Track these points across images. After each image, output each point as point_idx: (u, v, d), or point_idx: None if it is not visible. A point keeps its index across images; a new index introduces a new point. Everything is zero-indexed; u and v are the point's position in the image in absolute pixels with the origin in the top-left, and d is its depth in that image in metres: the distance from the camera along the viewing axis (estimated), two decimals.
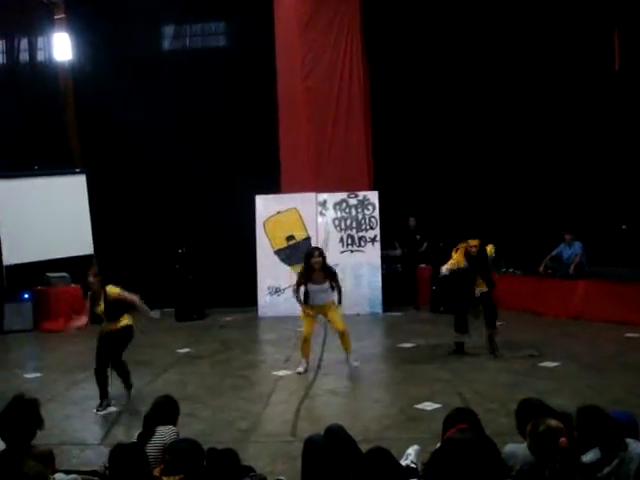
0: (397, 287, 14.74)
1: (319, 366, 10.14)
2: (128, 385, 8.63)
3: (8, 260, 14.11)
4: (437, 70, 14.96)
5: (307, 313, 9.82)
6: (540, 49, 14.38)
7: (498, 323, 10.62)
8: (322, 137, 15.27)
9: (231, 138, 15.60)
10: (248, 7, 15.52)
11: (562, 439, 3.86)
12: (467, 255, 10.29)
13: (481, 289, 10.37)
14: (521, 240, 14.05)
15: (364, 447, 4.38)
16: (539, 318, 13.03)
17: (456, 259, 10.37)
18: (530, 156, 14.61)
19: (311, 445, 5.02)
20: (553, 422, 4.05)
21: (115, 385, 9.10)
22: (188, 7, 16.00)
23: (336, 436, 4.99)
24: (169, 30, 16.56)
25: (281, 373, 9.82)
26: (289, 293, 14.41)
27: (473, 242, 10.37)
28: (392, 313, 14.23)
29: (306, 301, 9.74)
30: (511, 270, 14.23)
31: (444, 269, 10.49)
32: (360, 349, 9.71)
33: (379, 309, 14.31)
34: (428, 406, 7.81)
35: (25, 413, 4.48)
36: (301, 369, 9.73)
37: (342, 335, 9.78)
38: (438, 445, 4.14)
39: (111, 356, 8.55)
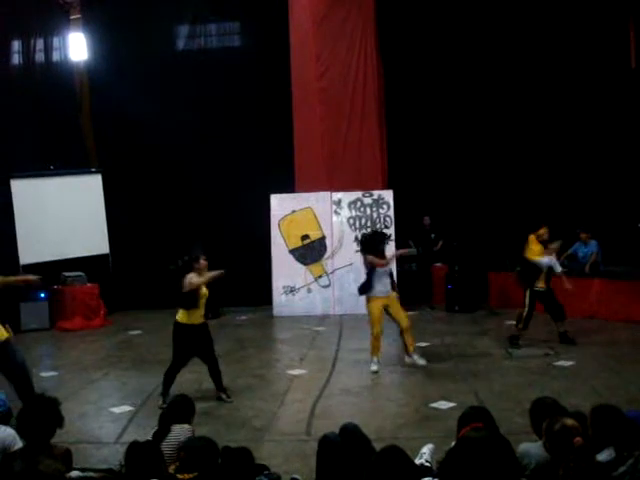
0: (412, 286, 14.69)
1: (334, 365, 10.16)
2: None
3: (24, 259, 14.18)
4: (451, 68, 14.91)
5: (376, 305, 9.70)
6: (556, 48, 14.31)
7: (510, 322, 10.63)
8: (336, 136, 15.27)
9: (246, 137, 15.61)
10: (263, 7, 15.53)
11: (577, 438, 3.87)
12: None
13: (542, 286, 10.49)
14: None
15: (378, 446, 4.39)
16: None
17: (539, 250, 10.50)
18: (546, 154, 14.54)
19: (326, 444, 5.04)
20: (569, 421, 4.06)
21: (131, 384, 9.17)
22: (203, 7, 16.08)
23: (351, 435, 5.02)
24: (184, 30, 16.59)
25: (296, 372, 9.85)
26: (304, 292, 14.53)
27: (542, 230, 10.46)
28: (407, 312, 14.17)
29: (370, 291, 9.67)
30: None
31: (546, 259, 10.50)
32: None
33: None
34: (443, 405, 7.83)
35: (45, 411, 4.52)
36: (375, 367, 9.60)
37: (407, 330, 9.77)
38: (453, 444, 4.15)
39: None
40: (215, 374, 8.61)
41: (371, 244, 9.77)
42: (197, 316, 8.55)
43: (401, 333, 9.86)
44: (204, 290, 8.61)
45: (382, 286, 9.67)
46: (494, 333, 11.17)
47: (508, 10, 14.43)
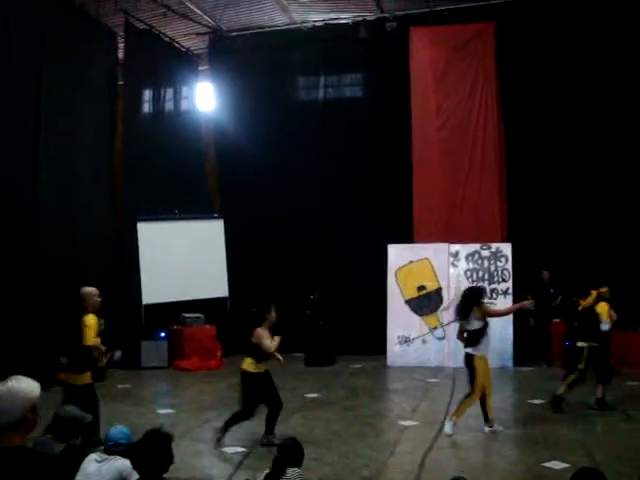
0: (529, 341, 14.42)
1: (445, 418, 10.03)
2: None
3: (147, 299, 14.70)
4: (574, 120, 14.72)
5: (485, 364, 9.13)
6: None
7: (631, 383, 10.29)
8: (455, 187, 15.27)
9: (366, 187, 15.83)
10: (384, 59, 15.85)
11: None
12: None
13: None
14: None
15: None
16: None
17: (605, 309, 10.25)
18: None
19: None
20: None
21: (243, 426, 9.31)
22: (324, 59, 16.49)
23: None
24: (307, 81, 17.05)
25: (407, 423, 9.78)
26: (418, 343, 14.46)
27: (603, 289, 10.20)
28: (523, 368, 13.92)
29: (479, 347, 9.08)
30: None
31: (607, 325, 10.28)
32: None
33: (510, 363, 14.01)
34: (556, 465, 7.60)
35: (160, 446, 4.68)
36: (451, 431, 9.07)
37: (489, 395, 9.29)
38: None
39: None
40: (274, 418, 8.71)
41: (475, 298, 9.47)
42: (263, 365, 8.77)
43: (484, 398, 9.24)
44: None
45: (488, 344, 9.20)
46: (612, 392, 10.80)
47: (631, 58, 14.24)
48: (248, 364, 8.72)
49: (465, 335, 9.31)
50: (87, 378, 8.28)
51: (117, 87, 15.68)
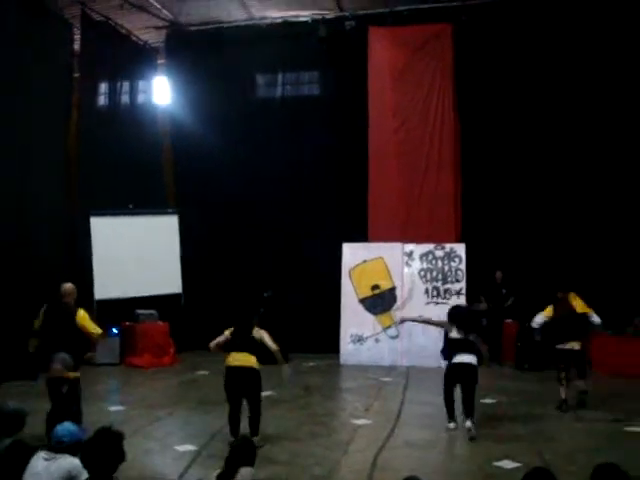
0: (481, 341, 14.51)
1: (399, 416, 10.08)
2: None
3: (99, 295, 14.51)
4: (529, 122, 14.86)
5: None
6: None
7: (580, 382, 10.42)
8: (411, 188, 15.34)
9: (321, 185, 15.82)
10: (343, 58, 15.83)
11: None
12: None
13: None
14: (610, 297, 13.70)
15: None
16: (630, 380, 12.51)
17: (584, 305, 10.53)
18: (628, 210, 14.31)
19: None
20: None
21: (195, 424, 9.24)
22: (282, 56, 16.43)
23: None
24: (264, 78, 16.99)
25: (360, 422, 9.79)
26: (371, 342, 14.49)
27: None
28: None
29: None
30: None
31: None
32: (441, 402, 9.60)
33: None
34: (507, 464, 7.68)
35: (110, 445, 4.62)
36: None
37: None
38: None
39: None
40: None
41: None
42: None
43: None
44: None
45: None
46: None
47: (588, 61, 14.42)
48: (254, 362, 8.69)
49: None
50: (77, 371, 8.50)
51: (73, 79, 15.44)
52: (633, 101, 14.26)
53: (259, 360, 8.67)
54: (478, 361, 9.31)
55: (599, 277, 13.97)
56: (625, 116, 14.35)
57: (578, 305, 10.55)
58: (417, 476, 5.10)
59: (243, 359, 8.64)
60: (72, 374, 8.33)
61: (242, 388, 8.59)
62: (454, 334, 9.41)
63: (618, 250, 14.25)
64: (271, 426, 9.30)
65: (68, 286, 8.95)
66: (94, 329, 8.74)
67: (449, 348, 9.46)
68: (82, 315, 8.69)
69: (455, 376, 9.29)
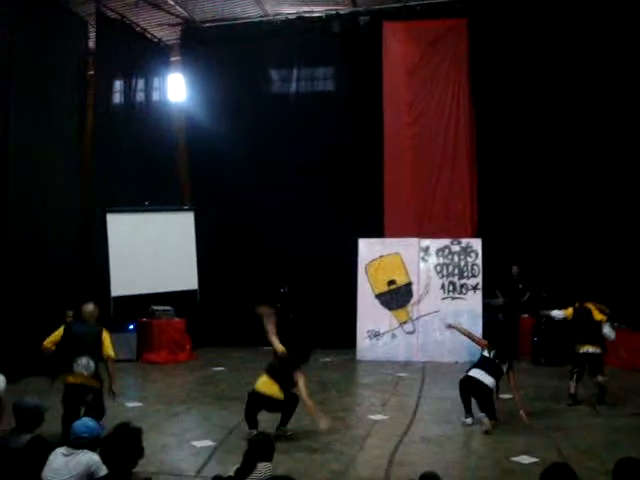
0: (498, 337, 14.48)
1: (415, 412, 10.07)
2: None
3: (115, 291, 14.56)
4: (546, 117, 14.82)
5: None
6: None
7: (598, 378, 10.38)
8: (427, 183, 15.31)
9: (337, 182, 15.80)
10: (357, 53, 15.82)
11: None
12: None
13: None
14: (630, 292, 13.64)
15: None
16: None
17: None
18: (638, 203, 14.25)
19: None
20: None
21: (212, 419, 9.25)
22: (296, 52, 16.44)
23: None
24: (279, 74, 16.98)
25: (377, 417, 9.79)
26: (388, 338, 14.47)
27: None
28: None
29: None
30: (616, 323, 13.77)
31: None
32: (457, 397, 9.59)
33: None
34: (525, 459, 7.65)
35: (129, 441, 4.63)
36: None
37: None
38: None
39: None
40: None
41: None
42: None
43: None
44: None
45: None
46: (580, 388, 10.87)
47: (601, 54, 14.36)
48: (277, 392, 8.74)
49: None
50: None
51: (87, 77, 15.50)
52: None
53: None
54: (495, 387, 9.32)
55: (614, 271, 13.93)
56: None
57: (595, 312, 10.50)
58: (434, 472, 5.10)
59: (270, 388, 8.68)
60: (97, 383, 8.33)
61: (263, 408, 8.69)
62: (487, 353, 9.38)
63: (634, 243, 14.16)
64: (288, 422, 9.31)
65: (91, 308, 8.63)
66: (111, 351, 8.45)
67: (477, 363, 9.50)
68: (105, 337, 8.44)
69: (468, 389, 9.33)
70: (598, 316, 10.50)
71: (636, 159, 14.27)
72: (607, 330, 10.46)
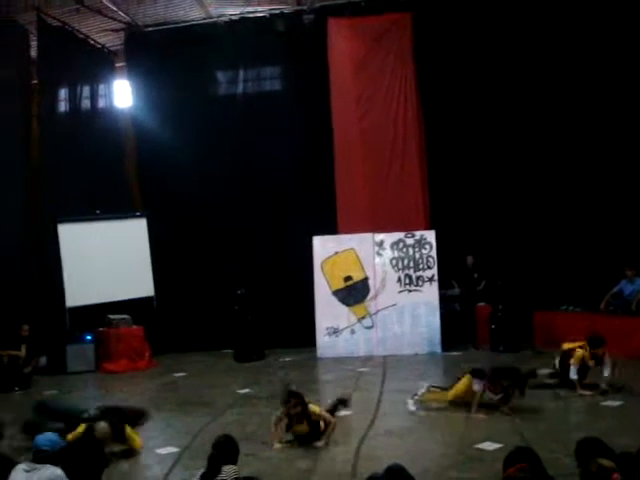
0: (456, 326, 14.62)
1: (378, 406, 10.11)
2: None
3: (70, 302, 14.41)
4: (491, 106, 14.97)
5: None
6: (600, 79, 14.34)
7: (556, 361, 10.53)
8: (378, 177, 15.36)
9: (289, 180, 15.80)
10: (303, 51, 15.83)
11: (615, 475, 3.84)
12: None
13: None
14: (581, 276, 13.88)
15: None
16: None
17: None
18: (591, 191, 14.45)
19: None
20: (605, 461, 4.02)
21: (175, 426, 9.21)
22: (242, 53, 16.37)
23: (397, 475, 4.98)
24: (225, 75, 16.91)
25: (340, 413, 9.78)
26: (347, 334, 14.50)
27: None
28: (451, 353, 14.08)
29: None
30: (571, 307, 14.02)
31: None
32: (419, 389, 9.65)
33: (438, 349, 14.19)
34: (488, 446, 7.72)
35: (92, 452, 4.59)
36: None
37: None
38: None
39: None
40: None
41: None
42: None
43: None
44: None
45: None
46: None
47: (547, 44, 14.55)
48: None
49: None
50: None
51: (31, 86, 15.29)
52: (594, 79, 14.39)
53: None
54: None
55: (565, 256, 14.19)
56: (591, 94, 14.45)
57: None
58: (400, 464, 5.14)
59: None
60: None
61: None
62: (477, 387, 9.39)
63: (582, 228, 14.40)
64: (252, 423, 9.30)
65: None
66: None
67: None
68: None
69: None
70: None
71: (582, 145, 14.49)
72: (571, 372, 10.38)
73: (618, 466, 4.11)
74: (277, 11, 15.94)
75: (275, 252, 15.75)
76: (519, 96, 14.78)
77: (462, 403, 9.48)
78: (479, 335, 14.59)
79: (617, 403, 9.40)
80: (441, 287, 14.62)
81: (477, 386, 9.30)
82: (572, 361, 10.12)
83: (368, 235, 14.84)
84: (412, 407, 9.62)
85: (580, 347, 10.19)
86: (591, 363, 10.13)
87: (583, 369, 10.16)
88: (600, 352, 10.08)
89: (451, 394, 9.55)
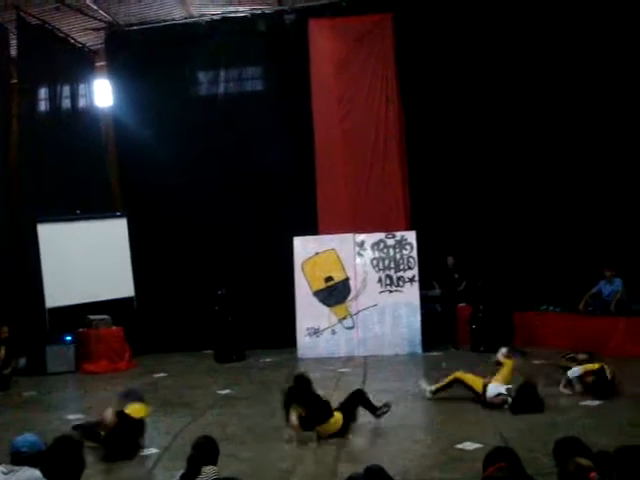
0: (436, 327, 14.65)
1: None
2: None
3: (50, 303, 14.33)
4: (473, 107, 15.03)
5: None
6: (589, 77, 14.42)
7: (537, 361, 10.55)
8: (359, 178, 15.38)
9: (270, 180, 15.76)
10: (284, 51, 15.82)
11: (592, 473, 3.86)
12: None
13: None
14: (560, 277, 13.97)
15: None
16: None
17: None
18: (570, 193, 14.54)
19: None
20: (583, 460, 4.05)
21: (156, 426, 9.17)
22: (224, 52, 16.35)
23: (376, 475, 4.99)
24: (206, 75, 16.86)
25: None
26: (328, 334, 14.51)
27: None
28: (432, 353, 14.11)
29: None
30: (551, 308, 14.11)
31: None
32: (400, 389, 9.67)
33: (418, 349, 14.21)
34: (469, 446, 7.75)
35: (70, 454, 4.55)
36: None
37: None
38: None
39: None
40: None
41: None
42: None
43: None
44: None
45: None
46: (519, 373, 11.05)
47: (534, 49, 14.61)
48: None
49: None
50: None
51: (11, 85, 15.19)
52: (573, 78, 14.50)
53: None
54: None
55: (545, 256, 14.28)
56: (571, 94, 14.57)
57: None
58: (379, 464, 5.15)
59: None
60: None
61: None
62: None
63: (563, 230, 14.48)
64: (232, 424, 9.29)
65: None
66: None
67: None
68: None
69: None
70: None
71: (561, 147, 14.58)
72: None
73: (596, 465, 4.14)
74: (258, 11, 15.91)
75: (256, 252, 15.72)
76: (499, 97, 14.86)
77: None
78: (460, 335, 14.62)
79: (596, 403, 9.44)
80: (422, 288, 14.65)
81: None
82: (580, 368, 10.19)
83: (349, 236, 14.85)
84: (428, 394, 9.79)
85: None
86: (589, 379, 10.16)
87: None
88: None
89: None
